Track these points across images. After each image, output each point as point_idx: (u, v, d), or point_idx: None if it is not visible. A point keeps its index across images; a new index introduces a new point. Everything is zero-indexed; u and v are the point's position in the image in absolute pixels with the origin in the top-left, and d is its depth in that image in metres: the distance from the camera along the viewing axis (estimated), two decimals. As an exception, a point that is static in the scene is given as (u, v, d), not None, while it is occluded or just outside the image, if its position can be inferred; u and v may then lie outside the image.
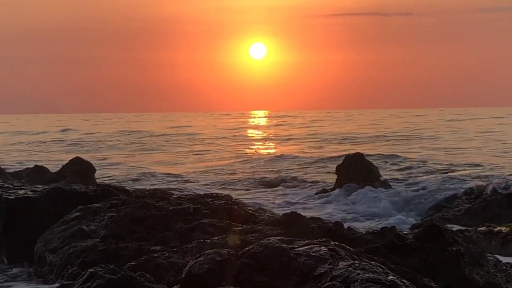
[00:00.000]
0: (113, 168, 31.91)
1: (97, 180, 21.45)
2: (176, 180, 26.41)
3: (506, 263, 9.36)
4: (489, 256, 9.04)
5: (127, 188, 14.80)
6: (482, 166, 27.92)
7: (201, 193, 12.92)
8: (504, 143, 41.43)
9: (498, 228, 13.31)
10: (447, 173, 24.63)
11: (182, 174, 28.58)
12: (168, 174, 28.00)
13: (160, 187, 20.62)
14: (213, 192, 14.81)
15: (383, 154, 33.30)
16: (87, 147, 48.30)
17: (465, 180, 20.27)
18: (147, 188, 17.96)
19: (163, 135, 63.53)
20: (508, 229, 13.02)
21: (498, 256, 9.62)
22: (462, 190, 17.45)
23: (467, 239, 8.75)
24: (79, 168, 21.02)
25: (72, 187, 13.41)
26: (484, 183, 17.39)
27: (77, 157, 22.19)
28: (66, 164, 21.85)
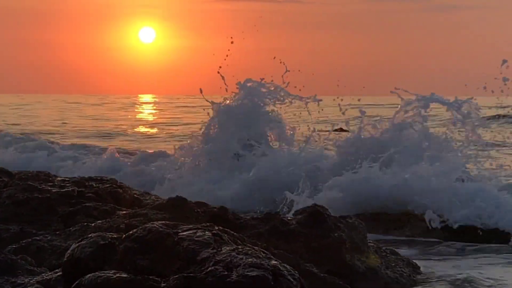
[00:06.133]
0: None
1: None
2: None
3: (387, 249, 9.59)
4: (370, 242, 9.23)
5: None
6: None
7: (86, 177, 12.75)
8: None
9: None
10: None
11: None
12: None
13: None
14: (98, 175, 14.58)
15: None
16: None
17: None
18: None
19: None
20: None
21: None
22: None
23: (349, 226, 8.91)
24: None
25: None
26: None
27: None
28: None
